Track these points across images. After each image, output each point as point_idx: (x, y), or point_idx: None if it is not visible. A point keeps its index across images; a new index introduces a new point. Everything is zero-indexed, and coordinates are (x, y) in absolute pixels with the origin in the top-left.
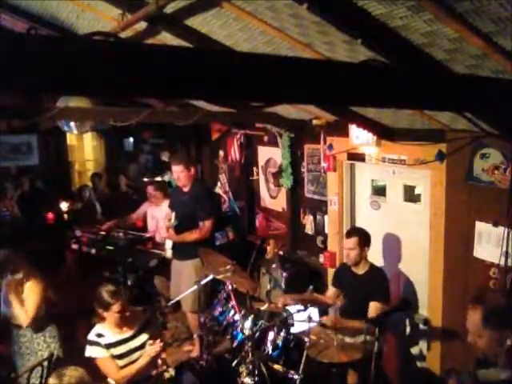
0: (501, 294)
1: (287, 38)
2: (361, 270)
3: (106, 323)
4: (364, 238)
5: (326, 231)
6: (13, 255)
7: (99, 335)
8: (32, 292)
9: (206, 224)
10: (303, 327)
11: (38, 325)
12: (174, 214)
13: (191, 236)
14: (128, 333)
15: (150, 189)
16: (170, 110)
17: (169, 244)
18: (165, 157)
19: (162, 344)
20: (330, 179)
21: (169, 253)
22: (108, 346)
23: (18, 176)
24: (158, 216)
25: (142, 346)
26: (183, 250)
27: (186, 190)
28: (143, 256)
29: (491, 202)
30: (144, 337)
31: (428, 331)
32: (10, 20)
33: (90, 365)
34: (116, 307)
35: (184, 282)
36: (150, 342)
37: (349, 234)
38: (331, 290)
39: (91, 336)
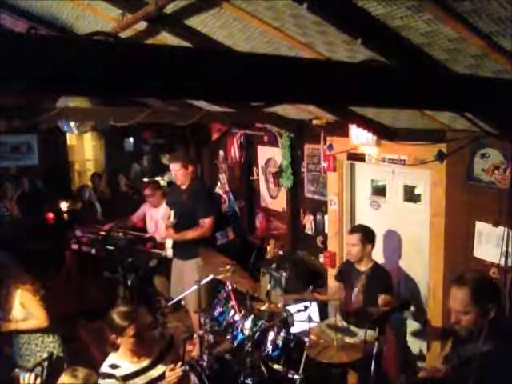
0: (479, 272)
1: (287, 38)
2: (364, 267)
3: (121, 351)
4: (367, 235)
5: (326, 231)
6: (4, 259)
7: (113, 366)
8: (31, 293)
9: (207, 222)
10: (303, 327)
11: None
12: (173, 212)
13: (192, 234)
14: (146, 361)
15: (148, 191)
16: (169, 109)
17: (169, 243)
18: (165, 160)
19: (183, 368)
20: (330, 179)
21: (169, 252)
22: (124, 378)
23: (18, 176)
24: (156, 217)
25: (162, 376)
26: (184, 250)
27: (183, 187)
28: (143, 256)
29: (491, 202)
30: (164, 365)
31: (428, 331)
32: (10, 20)
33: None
34: (130, 330)
35: (186, 282)
36: (171, 366)
37: (352, 231)
38: (334, 285)
39: (104, 368)
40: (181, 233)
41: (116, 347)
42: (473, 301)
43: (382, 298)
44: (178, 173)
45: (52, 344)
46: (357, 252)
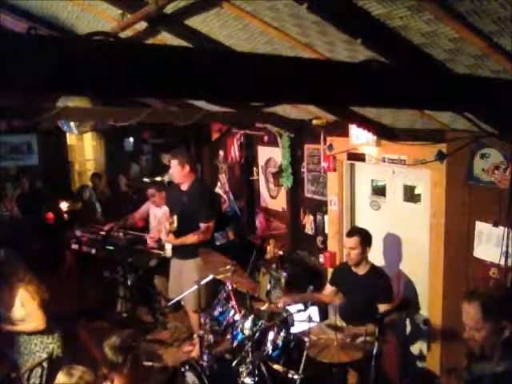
0: (495, 288)
1: (287, 38)
2: (361, 271)
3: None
4: (366, 238)
5: (326, 231)
6: (10, 256)
7: None
8: (30, 295)
9: (208, 226)
10: (303, 327)
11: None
12: (175, 217)
13: (193, 238)
14: None
15: (151, 191)
16: (170, 109)
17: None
18: (165, 160)
19: None
20: (330, 179)
21: (168, 252)
22: None
23: (18, 176)
24: (160, 215)
25: None
26: (184, 249)
27: (184, 188)
28: (143, 256)
29: (491, 202)
30: None
31: (428, 331)
32: (9, 20)
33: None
34: (124, 367)
35: (186, 282)
36: None
37: (350, 234)
38: (328, 289)
39: None
40: (181, 238)
41: (108, 380)
42: (484, 317)
43: (383, 309)
44: (174, 169)
45: (51, 345)
46: (356, 255)
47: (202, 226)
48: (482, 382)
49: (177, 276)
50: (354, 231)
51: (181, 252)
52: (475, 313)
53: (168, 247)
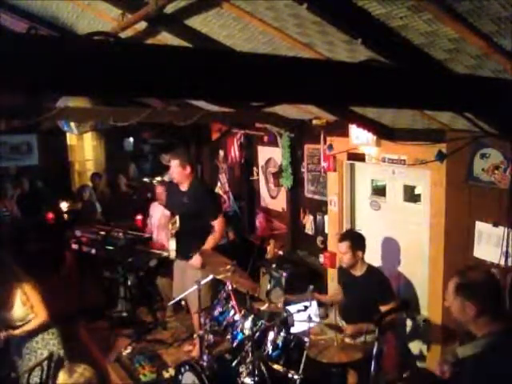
0: (482, 272)
1: (287, 38)
2: (358, 272)
3: None
4: (356, 242)
5: (326, 231)
6: (4, 257)
7: None
8: (32, 290)
9: (219, 221)
10: (303, 327)
11: None
12: (178, 217)
13: (214, 240)
14: None
15: (159, 189)
16: (170, 109)
17: (172, 245)
18: (165, 161)
19: None
20: (330, 179)
21: (172, 253)
22: None
23: (18, 176)
24: (158, 215)
25: None
26: (186, 250)
27: (183, 189)
28: (143, 256)
29: (491, 202)
30: None
31: (428, 331)
32: (9, 20)
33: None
34: None
35: (189, 281)
36: None
37: (341, 238)
38: (334, 286)
39: None
40: (206, 244)
41: None
42: (454, 292)
43: (385, 309)
44: (175, 170)
45: (52, 341)
46: (348, 259)
47: (214, 222)
48: (464, 364)
49: (181, 277)
50: (345, 236)
51: (184, 253)
52: (450, 288)
53: (172, 248)
